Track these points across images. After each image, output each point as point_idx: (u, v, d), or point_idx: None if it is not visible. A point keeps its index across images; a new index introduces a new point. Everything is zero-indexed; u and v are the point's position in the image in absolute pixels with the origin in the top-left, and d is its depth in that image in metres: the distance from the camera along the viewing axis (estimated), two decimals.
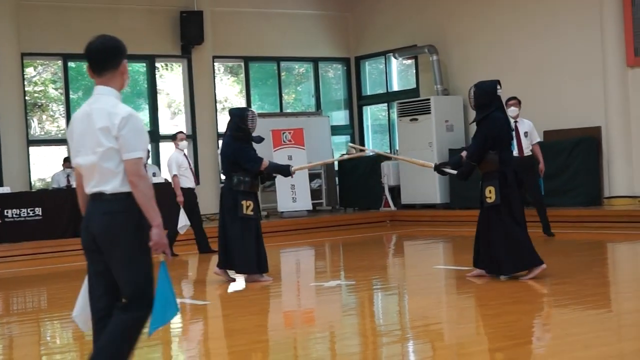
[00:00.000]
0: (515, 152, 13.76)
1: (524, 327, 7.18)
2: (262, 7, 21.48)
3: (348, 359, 6.54)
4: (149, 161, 18.46)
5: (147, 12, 20.02)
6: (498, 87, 9.60)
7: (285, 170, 10.88)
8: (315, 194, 20.33)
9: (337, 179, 21.43)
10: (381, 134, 22.58)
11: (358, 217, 19.39)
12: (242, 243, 10.27)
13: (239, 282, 10.53)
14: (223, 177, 11.80)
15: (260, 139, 10.79)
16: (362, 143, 22.62)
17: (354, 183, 20.90)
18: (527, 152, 13.61)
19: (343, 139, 22.92)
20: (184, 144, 14.73)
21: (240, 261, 10.34)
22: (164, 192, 17.38)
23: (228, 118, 10.83)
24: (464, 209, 18.21)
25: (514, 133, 13.80)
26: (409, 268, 12.50)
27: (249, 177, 10.36)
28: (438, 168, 10.13)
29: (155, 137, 20.22)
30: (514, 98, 13.89)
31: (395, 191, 20.14)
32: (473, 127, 19.56)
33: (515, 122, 13.64)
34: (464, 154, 9.80)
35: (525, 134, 13.67)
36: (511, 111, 13.69)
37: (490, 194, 9.37)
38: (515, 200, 9.44)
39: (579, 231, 14.93)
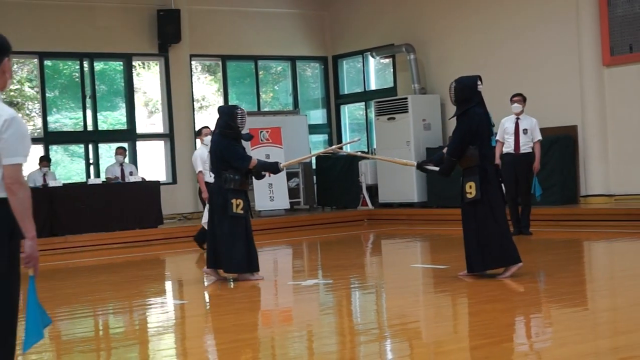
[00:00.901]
0: (511, 149, 13.82)
1: (501, 326, 7.21)
2: (240, 5, 21.44)
3: (326, 357, 6.54)
4: (126, 160, 18.39)
5: (123, 10, 19.94)
6: (479, 82, 9.56)
7: (274, 167, 10.80)
8: (292, 192, 20.32)
9: (314, 177, 21.43)
10: (359, 132, 22.59)
11: (336, 216, 19.39)
12: (232, 242, 10.17)
13: (217, 282, 10.51)
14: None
15: (249, 137, 10.73)
16: (339, 142, 22.60)
17: (332, 182, 20.91)
18: (524, 149, 13.62)
19: (321, 137, 22.93)
20: (209, 139, 14.53)
21: (230, 261, 10.25)
22: (140, 191, 17.43)
23: (217, 116, 10.65)
24: (442, 208, 18.27)
25: (513, 129, 13.89)
26: (386, 267, 12.51)
27: (239, 176, 10.25)
28: (420, 166, 10.10)
29: (132, 136, 20.16)
30: (519, 95, 13.95)
31: (373, 190, 20.17)
32: (451, 126, 19.74)
33: (518, 118, 13.69)
34: (445, 150, 9.77)
35: (525, 130, 13.71)
36: (514, 107, 13.76)
37: (471, 190, 9.34)
38: (495, 196, 9.41)
39: (555, 230, 15.00)
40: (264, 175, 11.09)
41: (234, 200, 10.17)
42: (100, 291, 10.71)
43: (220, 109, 10.68)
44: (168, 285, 11.81)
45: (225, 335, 7.48)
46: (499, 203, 9.47)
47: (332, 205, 20.98)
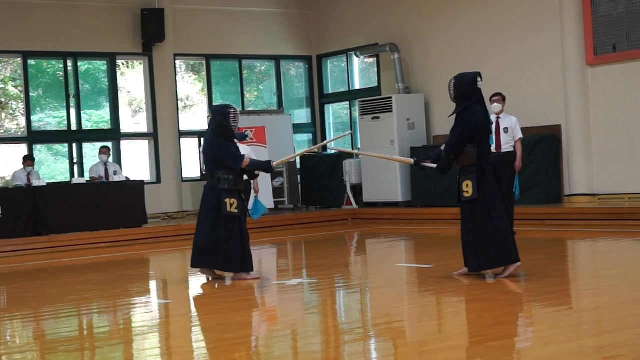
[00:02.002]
0: (493, 148, 13.84)
1: (485, 325, 7.22)
2: (224, 5, 21.42)
3: (310, 357, 6.54)
4: (110, 159, 18.35)
5: (107, 9, 19.89)
6: (479, 79, 9.42)
7: (267, 166, 10.69)
8: (277, 192, 20.31)
9: (299, 177, 21.43)
10: (343, 132, 22.60)
11: (320, 216, 19.39)
12: (227, 242, 10.12)
13: (201, 281, 10.49)
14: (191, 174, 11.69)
15: (243, 136, 10.67)
16: (323, 141, 22.61)
17: (316, 181, 20.91)
18: (505, 148, 13.62)
19: (305, 137, 22.93)
20: (495, 106, 14.37)
21: (225, 260, 10.20)
22: (124, 190, 17.39)
23: (210, 115, 10.64)
24: (426, 207, 18.31)
25: (494, 129, 13.91)
26: (371, 266, 12.52)
27: (232, 175, 10.19)
28: (418, 163, 9.93)
29: (116, 135, 20.11)
30: (499, 94, 13.97)
31: (357, 189, 20.18)
32: (435, 125, 19.83)
33: (498, 117, 13.71)
34: (443, 147, 9.67)
35: (505, 129, 13.72)
36: (494, 107, 13.76)
37: (468, 188, 9.25)
38: (493, 194, 9.31)
39: (539, 229, 15.04)
40: (258, 175, 11.03)
41: (227, 200, 10.10)
42: (85, 291, 10.68)
43: (212, 109, 10.66)
44: (152, 284, 11.78)
45: (209, 334, 7.48)
46: (497, 202, 9.36)
47: (317, 204, 20.98)
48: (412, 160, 10.20)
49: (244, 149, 14.58)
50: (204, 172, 11.23)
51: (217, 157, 10.20)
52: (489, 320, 7.44)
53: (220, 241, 10.15)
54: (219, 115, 10.29)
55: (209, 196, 10.30)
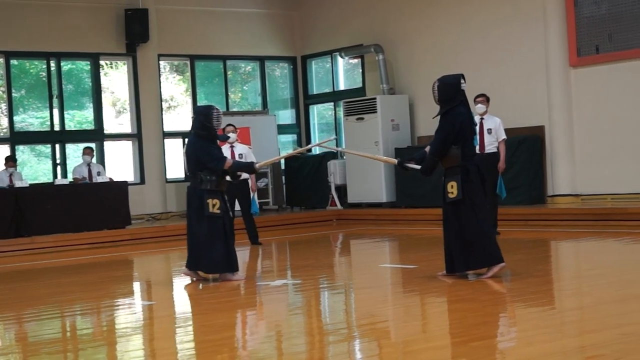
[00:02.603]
0: (477, 149, 13.87)
1: (468, 325, 7.24)
2: (208, 5, 21.39)
3: (295, 357, 6.54)
4: (94, 160, 18.30)
5: (91, 9, 19.84)
6: (462, 81, 9.44)
7: (250, 168, 10.74)
8: (261, 193, 20.30)
9: (283, 177, 21.43)
10: (327, 132, 22.62)
11: (305, 216, 19.39)
12: (210, 242, 10.10)
13: (185, 282, 10.48)
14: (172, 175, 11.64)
15: (225, 137, 10.63)
16: (308, 142, 22.62)
17: (301, 182, 20.91)
18: (489, 149, 13.66)
19: (290, 137, 22.93)
20: (234, 136, 14.47)
21: (209, 261, 10.18)
22: (108, 191, 17.34)
23: (194, 116, 10.51)
24: (410, 208, 18.33)
25: (477, 129, 13.95)
26: (355, 267, 12.53)
27: (215, 176, 10.16)
28: (402, 164, 9.92)
29: (99, 136, 20.06)
30: (482, 95, 14.02)
31: (342, 190, 20.20)
32: (419, 126, 19.85)
33: (482, 118, 13.75)
34: (427, 148, 9.68)
35: (489, 130, 13.77)
36: (478, 108, 13.80)
37: (452, 189, 9.26)
38: (478, 196, 9.33)
39: (522, 229, 15.08)
40: (240, 176, 11.02)
41: (209, 201, 10.09)
42: (68, 292, 10.65)
43: (195, 110, 10.63)
44: (136, 286, 11.76)
45: (193, 335, 7.46)
46: (481, 203, 9.39)
47: (301, 205, 20.99)
48: (395, 161, 10.22)
49: (242, 148, 14.64)
50: (187, 174, 11.16)
51: (199, 158, 10.17)
52: (473, 320, 7.45)
53: (204, 242, 10.13)
54: (202, 116, 10.25)
55: (191, 197, 10.28)
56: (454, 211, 9.37)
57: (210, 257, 10.17)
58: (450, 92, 9.45)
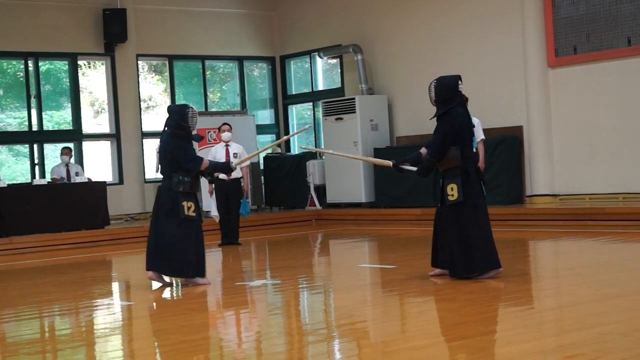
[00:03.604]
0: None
1: (448, 325, 7.26)
2: (186, 5, 21.35)
3: (274, 358, 6.53)
4: (72, 160, 18.23)
5: (69, 9, 19.76)
6: (459, 82, 9.38)
7: (226, 167, 10.58)
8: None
9: (262, 177, 21.41)
10: (306, 133, 22.62)
11: (284, 216, 19.39)
12: (180, 245, 9.86)
13: (162, 287, 10.44)
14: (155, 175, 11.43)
15: (199, 137, 10.32)
16: (287, 142, 22.65)
17: (280, 182, 20.90)
18: None
19: (268, 137, 22.91)
20: (225, 135, 14.44)
21: (178, 264, 9.92)
22: (87, 192, 17.28)
23: (167, 115, 10.23)
24: (389, 208, 18.37)
25: None
26: (334, 267, 12.54)
27: (189, 177, 9.91)
28: (397, 166, 9.77)
29: (78, 136, 19.98)
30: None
31: (321, 190, 20.21)
32: (398, 126, 19.87)
33: None
34: (423, 150, 9.57)
35: None
36: None
37: (453, 192, 9.15)
38: (478, 198, 9.26)
39: (501, 229, 15.07)
40: (216, 177, 10.86)
41: (185, 203, 9.84)
42: (46, 293, 10.61)
43: (170, 108, 10.27)
44: (115, 286, 11.72)
45: (172, 336, 7.44)
46: (482, 205, 9.30)
47: (280, 205, 20.98)
48: (390, 163, 9.97)
49: (237, 147, 14.60)
50: (158, 172, 10.80)
51: (175, 158, 9.93)
52: (452, 320, 7.47)
53: (175, 245, 9.88)
54: (177, 115, 10.00)
55: (163, 198, 10.01)
56: (453, 214, 9.25)
57: (182, 261, 9.91)
58: (447, 93, 9.36)
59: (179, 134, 10.00)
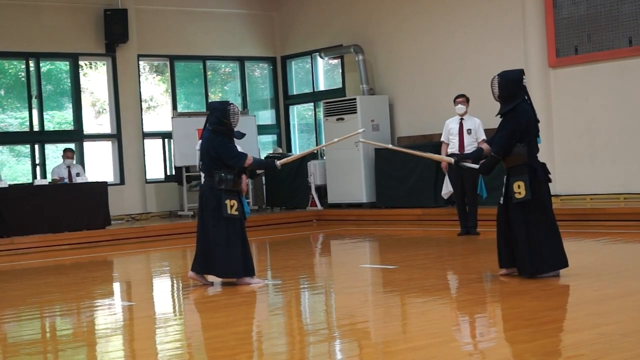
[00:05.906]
0: (456, 149, 13.98)
1: (448, 325, 7.26)
2: (188, 5, 21.36)
3: (275, 358, 6.54)
4: (74, 161, 18.24)
5: (70, 9, 19.77)
6: (523, 76, 9.19)
7: (271, 165, 10.32)
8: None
9: (263, 178, 21.42)
10: (307, 133, 22.64)
11: (285, 217, 19.39)
12: (227, 245, 9.69)
13: (165, 283, 10.45)
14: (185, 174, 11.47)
15: (242, 135, 9.99)
16: (288, 143, 22.67)
17: (281, 182, 20.90)
18: (469, 149, 13.72)
19: (270, 138, 22.92)
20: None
21: (226, 266, 9.76)
22: (88, 192, 17.28)
23: (208, 112, 10.03)
24: (390, 208, 18.36)
25: (457, 130, 14.08)
26: (335, 267, 12.54)
27: (232, 175, 9.75)
28: (458, 163, 9.67)
29: (79, 136, 19.99)
30: (462, 95, 14.11)
31: (322, 190, 20.20)
32: (399, 126, 19.86)
33: (462, 119, 13.80)
34: (484, 146, 9.45)
35: (469, 131, 13.87)
36: (458, 109, 13.87)
37: (520, 189, 8.93)
38: (546, 196, 9.08)
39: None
40: (259, 175, 10.67)
41: (227, 201, 9.66)
42: (48, 293, 10.61)
43: (211, 105, 10.06)
44: (116, 286, 11.72)
45: (173, 336, 7.45)
46: (549, 204, 9.13)
47: (281, 205, 20.98)
48: (452, 160, 9.86)
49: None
50: (199, 171, 10.49)
51: (219, 155, 9.72)
52: (452, 320, 7.48)
53: (221, 245, 9.71)
54: (219, 112, 9.80)
55: (207, 197, 9.82)
56: (522, 212, 9.04)
57: (227, 261, 9.74)
58: (513, 88, 9.16)
59: (220, 130, 9.79)
